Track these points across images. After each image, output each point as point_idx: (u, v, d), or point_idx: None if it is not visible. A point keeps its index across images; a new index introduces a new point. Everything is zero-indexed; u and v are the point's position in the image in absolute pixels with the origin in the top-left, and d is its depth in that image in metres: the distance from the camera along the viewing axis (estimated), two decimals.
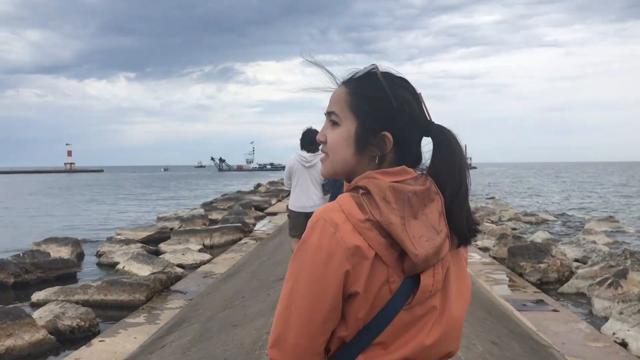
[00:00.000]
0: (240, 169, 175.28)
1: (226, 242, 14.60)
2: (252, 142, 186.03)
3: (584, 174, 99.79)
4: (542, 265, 9.59)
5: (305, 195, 5.86)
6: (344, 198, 1.13)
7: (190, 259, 11.79)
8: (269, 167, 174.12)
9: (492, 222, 18.75)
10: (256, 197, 27.36)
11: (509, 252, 10.44)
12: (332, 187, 6.14)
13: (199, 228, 15.07)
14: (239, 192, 33.58)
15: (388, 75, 1.21)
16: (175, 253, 12.01)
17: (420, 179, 1.16)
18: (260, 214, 21.63)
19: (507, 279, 9.66)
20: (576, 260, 11.31)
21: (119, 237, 13.70)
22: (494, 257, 12.02)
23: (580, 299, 8.64)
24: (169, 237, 14.80)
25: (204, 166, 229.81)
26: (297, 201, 6.00)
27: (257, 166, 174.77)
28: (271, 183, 48.39)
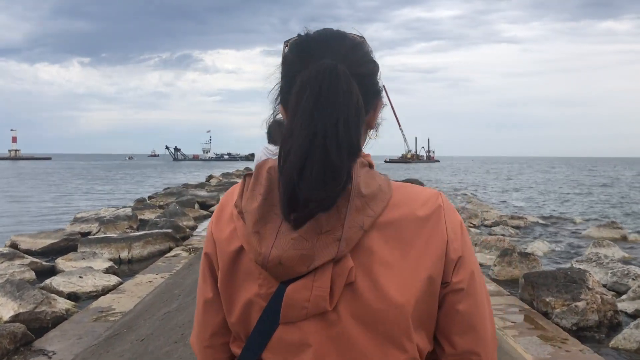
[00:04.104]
0: (196, 158, 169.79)
1: (151, 255, 11.38)
2: (209, 131, 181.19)
3: (544, 169, 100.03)
4: (579, 305, 6.82)
5: None
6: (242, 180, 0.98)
7: (89, 284, 8.55)
8: (226, 157, 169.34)
9: (475, 226, 16.09)
10: (202, 192, 23.93)
11: (527, 282, 7.64)
12: None
13: (114, 236, 11.74)
14: (184, 185, 29.99)
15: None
16: (71, 275, 8.74)
17: None
18: (204, 212, 18.41)
19: (529, 322, 6.87)
20: (604, 286, 8.64)
21: (1, 250, 10.26)
22: (495, 280, 9.29)
23: None
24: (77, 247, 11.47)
25: (158, 155, 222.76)
26: None
27: (214, 156, 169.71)
28: (225, 175, 44.77)
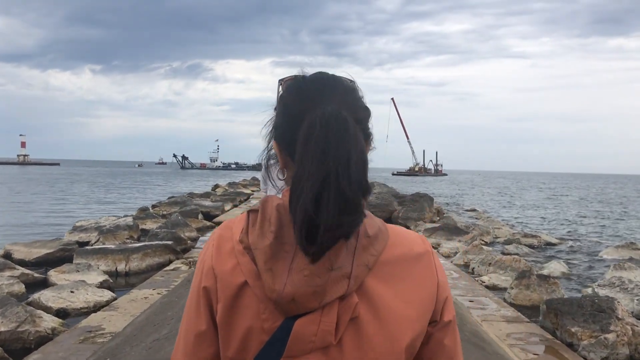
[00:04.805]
0: (203, 167, 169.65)
1: (149, 267, 10.88)
2: (217, 140, 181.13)
3: (548, 186, 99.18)
4: (609, 337, 6.24)
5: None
6: (244, 214, 1.01)
7: (81, 299, 8.05)
8: (233, 166, 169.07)
9: (487, 243, 15.49)
10: (207, 202, 23.43)
11: (549, 309, 7.07)
12: None
13: (112, 247, 11.25)
14: (189, 194, 29.50)
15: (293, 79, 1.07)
16: (62, 290, 8.24)
17: None
18: (208, 223, 17.90)
19: (554, 355, 6.29)
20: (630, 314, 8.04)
21: None
22: (512, 304, 8.71)
23: None
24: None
25: (165, 163, 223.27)
26: None
27: (222, 165, 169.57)
28: (231, 184, 44.29)
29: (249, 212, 0.99)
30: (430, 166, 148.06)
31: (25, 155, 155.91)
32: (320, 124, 0.89)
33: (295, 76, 1.04)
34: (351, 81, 1.06)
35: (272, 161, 1.07)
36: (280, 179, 1.05)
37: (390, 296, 0.94)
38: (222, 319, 0.95)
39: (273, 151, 1.06)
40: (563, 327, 6.73)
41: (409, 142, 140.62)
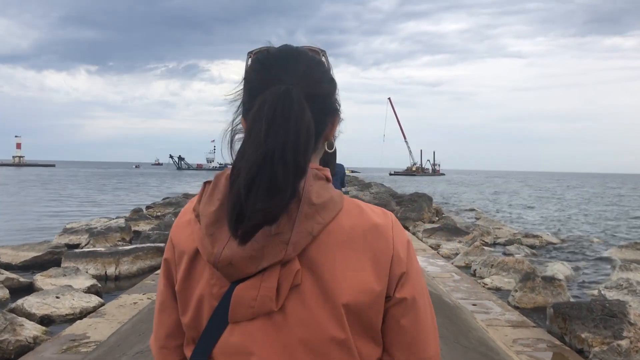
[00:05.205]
0: (199, 168, 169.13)
1: (140, 271, 10.54)
2: (213, 141, 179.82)
3: (549, 185, 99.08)
4: (622, 343, 5.91)
5: None
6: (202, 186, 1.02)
7: (66, 305, 7.70)
8: (229, 166, 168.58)
9: (487, 244, 15.16)
10: None
11: (557, 313, 6.75)
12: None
13: (102, 250, 10.88)
14: (185, 195, 29.07)
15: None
16: (47, 295, 7.88)
17: None
18: None
19: None
20: None
21: None
22: (516, 307, 8.38)
23: None
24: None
25: (161, 164, 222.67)
26: None
27: (218, 165, 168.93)
28: None
29: (205, 183, 1.00)
30: (428, 166, 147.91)
31: (20, 157, 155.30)
32: (268, 103, 0.89)
33: (261, 49, 1.03)
34: (322, 50, 1.06)
35: (237, 136, 1.02)
36: None
37: (335, 264, 0.91)
38: (179, 286, 0.98)
39: (239, 126, 1.03)
40: (572, 333, 6.41)
41: (406, 142, 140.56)
